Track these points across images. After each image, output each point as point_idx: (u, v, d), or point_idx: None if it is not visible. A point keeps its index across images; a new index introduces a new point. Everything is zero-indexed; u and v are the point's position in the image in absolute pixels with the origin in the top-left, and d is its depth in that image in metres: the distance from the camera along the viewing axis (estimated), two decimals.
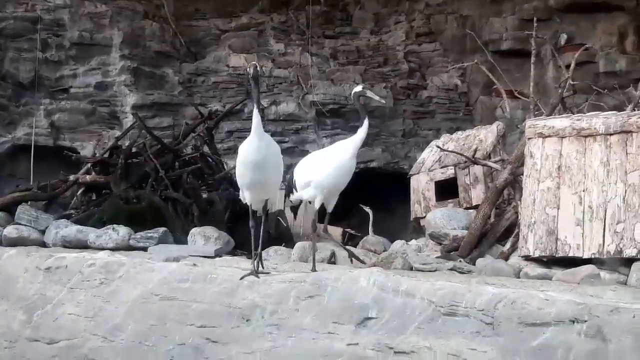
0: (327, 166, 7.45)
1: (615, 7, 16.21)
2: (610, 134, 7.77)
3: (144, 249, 9.41)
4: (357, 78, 17.15)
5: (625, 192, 7.55)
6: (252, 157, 7.13)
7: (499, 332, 5.35)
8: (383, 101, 8.42)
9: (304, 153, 16.77)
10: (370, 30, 18.09)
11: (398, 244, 9.43)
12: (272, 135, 16.25)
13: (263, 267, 7.41)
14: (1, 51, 15.30)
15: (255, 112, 6.98)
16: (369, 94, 7.87)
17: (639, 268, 7.22)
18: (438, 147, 10.96)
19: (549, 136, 8.09)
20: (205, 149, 12.79)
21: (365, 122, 7.53)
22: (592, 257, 7.54)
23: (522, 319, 5.29)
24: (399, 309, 5.91)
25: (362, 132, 7.43)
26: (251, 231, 7.40)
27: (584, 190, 7.77)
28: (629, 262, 7.37)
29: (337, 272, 6.86)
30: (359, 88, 7.87)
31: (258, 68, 7.17)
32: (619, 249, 7.44)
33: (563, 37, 16.22)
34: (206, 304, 6.89)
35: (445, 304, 5.69)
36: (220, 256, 9.03)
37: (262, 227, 7.55)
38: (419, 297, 5.89)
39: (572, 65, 10.36)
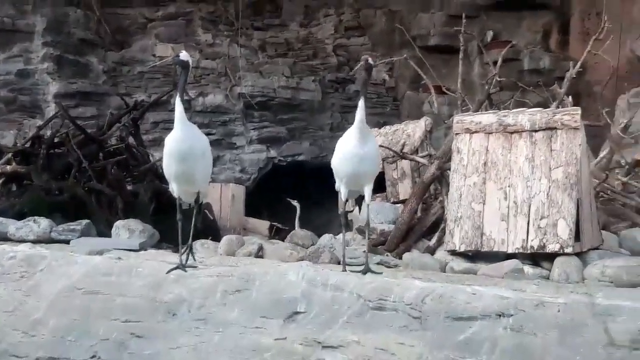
0: (336, 155, 7.15)
1: (540, 5, 16.56)
2: (536, 131, 7.88)
3: (67, 241, 9.18)
4: (285, 70, 17.12)
5: (549, 188, 7.66)
6: (176, 147, 6.95)
7: (426, 326, 5.36)
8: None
9: (232, 145, 16.70)
10: (299, 23, 18.09)
11: (326, 237, 9.39)
12: (198, 127, 16.28)
13: (195, 260, 7.31)
14: None
15: (178, 100, 6.79)
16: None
17: (561, 263, 7.35)
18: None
19: (476, 132, 8.16)
20: (131, 140, 12.55)
21: (361, 102, 6.99)
22: (516, 251, 7.63)
23: (450, 313, 5.32)
24: (328, 303, 5.88)
25: (359, 114, 6.93)
26: (178, 224, 7.27)
27: (509, 186, 7.86)
28: (551, 257, 7.49)
29: (265, 266, 6.81)
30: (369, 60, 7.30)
31: (188, 57, 7.06)
32: (542, 244, 7.54)
33: (489, 34, 16.50)
34: (131, 298, 6.74)
35: (374, 298, 5.68)
36: (145, 249, 8.88)
37: (193, 220, 7.41)
38: (348, 291, 5.87)
39: (499, 62, 10.50)
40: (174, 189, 7.28)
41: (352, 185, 7.08)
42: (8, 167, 11.35)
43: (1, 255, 7.81)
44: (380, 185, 10.73)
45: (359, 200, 7.48)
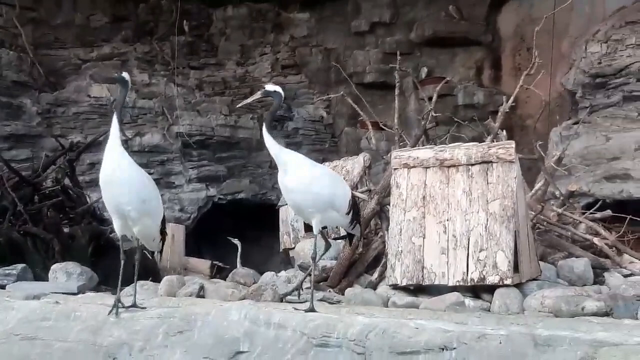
0: None
1: (472, 42, 16.93)
2: (472, 164, 8.00)
3: (2, 286, 8.98)
4: (223, 109, 17.13)
5: (487, 220, 7.76)
6: (103, 172, 6.80)
7: None
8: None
9: (170, 185, 16.57)
10: (236, 62, 18.17)
11: (268, 275, 9.37)
12: None
13: (134, 303, 7.15)
14: None
15: (114, 120, 6.82)
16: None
17: (501, 295, 7.43)
18: None
19: (414, 167, 8.25)
20: (67, 181, 12.37)
21: (266, 134, 6.80)
22: (457, 284, 7.69)
23: (393, 348, 5.33)
24: (271, 341, 5.84)
25: (266, 142, 6.82)
26: (121, 264, 7.13)
27: (448, 220, 7.94)
28: (492, 289, 7.57)
29: (207, 306, 6.74)
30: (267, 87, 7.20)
31: (128, 76, 7.09)
32: (482, 277, 7.62)
33: (424, 71, 16.78)
34: (70, 342, 6.61)
35: (318, 335, 5.66)
36: (84, 293, 8.73)
37: (135, 259, 7.25)
38: (291, 329, 5.84)
39: (434, 97, 10.66)
40: (114, 225, 7.11)
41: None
42: None
43: None
44: None
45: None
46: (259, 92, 7.15)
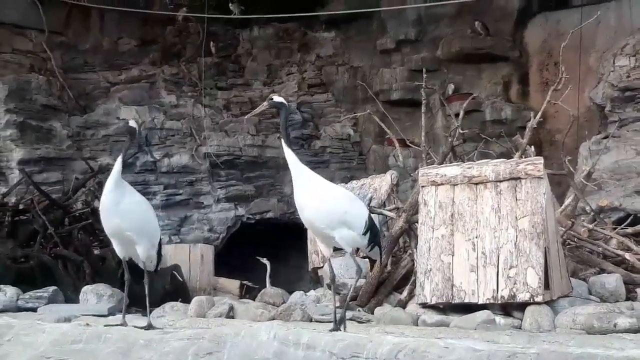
0: None
1: (499, 57, 16.86)
2: (500, 181, 7.96)
3: (34, 309, 9.07)
4: (250, 129, 17.19)
5: (517, 237, 7.71)
6: (103, 204, 7.08)
7: None
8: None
9: (199, 205, 16.64)
10: (262, 82, 18.27)
11: (297, 295, 9.37)
12: (165, 188, 16.25)
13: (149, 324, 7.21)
14: None
15: (119, 160, 6.98)
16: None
17: (532, 312, 7.37)
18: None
19: (442, 184, 8.23)
20: (96, 204, 12.47)
21: (282, 143, 6.87)
22: (487, 302, 7.64)
23: None
24: None
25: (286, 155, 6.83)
26: (125, 284, 7.34)
27: (477, 237, 7.90)
28: (522, 306, 7.51)
29: (236, 326, 6.73)
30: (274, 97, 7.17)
31: (138, 125, 7.27)
32: (512, 294, 7.57)
33: (450, 87, 16.73)
34: None
35: (347, 355, 5.63)
36: (114, 314, 8.78)
37: (145, 283, 7.36)
38: (320, 350, 5.81)
39: (461, 114, 10.63)
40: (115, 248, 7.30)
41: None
42: None
43: None
44: None
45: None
46: (266, 103, 7.17)
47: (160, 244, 7.52)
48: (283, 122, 7.03)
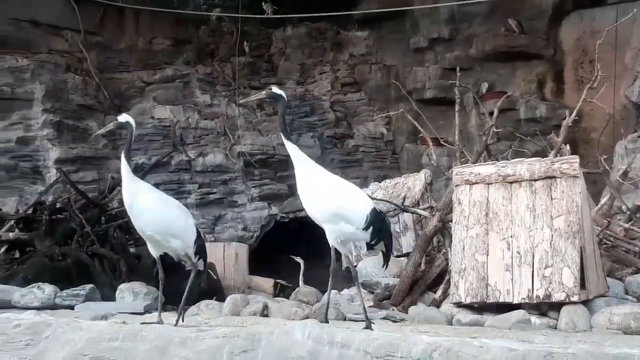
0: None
1: (533, 55, 16.73)
2: (535, 180, 7.92)
3: (71, 307, 9.17)
4: None
5: (552, 236, 7.67)
6: (125, 203, 7.16)
7: None
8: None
9: (233, 204, 16.72)
10: (296, 81, 18.30)
11: (330, 294, 9.37)
12: (199, 187, 16.35)
13: (182, 321, 7.30)
14: None
15: (122, 160, 7.09)
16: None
17: (567, 312, 7.33)
18: (367, 195, 10.99)
19: (476, 183, 8.20)
20: None
21: (282, 136, 7.12)
22: (522, 302, 7.61)
23: None
24: None
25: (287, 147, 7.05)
26: (159, 282, 7.38)
27: (511, 236, 7.87)
28: (558, 306, 7.47)
29: (271, 325, 6.77)
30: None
31: (128, 117, 7.33)
32: (547, 294, 7.53)
33: (484, 86, 16.64)
34: None
35: (381, 354, 5.64)
36: (150, 312, 8.85)
37: (190, 280, 7.42)
38: (354, 348, 5.82)
39: (495, 112, 10.59)
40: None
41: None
42: (11, 234, 11.39)
43: (6, 324, 7.77)
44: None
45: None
46: (264, 92, 7.24)
47: (200, 243, 7.45)
48: (281, 114, 7.09)
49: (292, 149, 6.98)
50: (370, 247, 7.36)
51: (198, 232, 7.45)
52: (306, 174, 6.99)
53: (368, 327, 6.57)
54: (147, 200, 7.21)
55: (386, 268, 7.54)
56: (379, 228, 6.91)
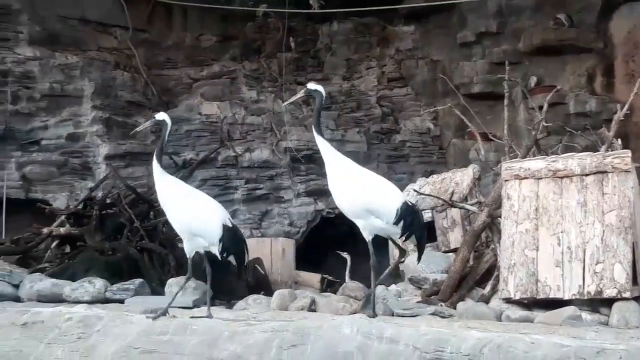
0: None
1: (583, 49, 16.49)
2: (586, 175, 7.84)
3: (121, 301, 9.29)
4: (330, 123, 17.22)
5: (603, 232, 7.59)
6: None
7: None
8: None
9: (279, 199, 16.76)
10: (342, 76, 18.26)
11: (378, 289, 9.35)
12: (246, 182, 16.41)
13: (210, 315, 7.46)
14: None
15: (155, 158, 7.54)
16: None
17: (619, 308, 7.23)
18: (415, 190, 10.97)
19: (525, 178, 8.14)
20: None
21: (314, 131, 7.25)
22: (573, 298, 7.54)
23: None
24: (384, 356, 5.84)
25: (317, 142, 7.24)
26: (207, 277, 7.68)
27: (562, 231, 7.80)
28: (609, 302, 7.38)
29: (319, 319, 6.79)
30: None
31: (165, 116, 7.77)
32: (599, 290, 7.45)
33: (533, 80, 16.44)
34: (187, 356, 6.77)
35: (431, 350, 5.63)
36: (199, 306, 8.93)
37: (208, 274, 7.72)
38: (404, 343, 5.83)
39: (545, 107, 10.47)
40: None
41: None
42: (62, 229, 11.57)
43: (58, 317, 7.92)
44: (431, 235, 10.68)
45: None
46: (302, 91, 7.36)
47: (230, 240, 7.52)
48: (317, 109, 7.14)
49: (322, 144, 7.08)
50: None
51: (230, 229, 7.49)
52: (336, 169, 7.07)
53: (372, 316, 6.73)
54: (170, 196, 7.55)
55: (419, 262, 7.58)
56: (410, 222, 6.94)
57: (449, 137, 17.76)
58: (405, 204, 6.98)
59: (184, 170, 12.94)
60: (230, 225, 7.56)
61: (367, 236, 7.04)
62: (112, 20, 17.07)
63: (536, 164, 8.17)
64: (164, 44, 17.81)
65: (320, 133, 7.07)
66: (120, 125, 16.12)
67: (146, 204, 11.91)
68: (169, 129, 7.82)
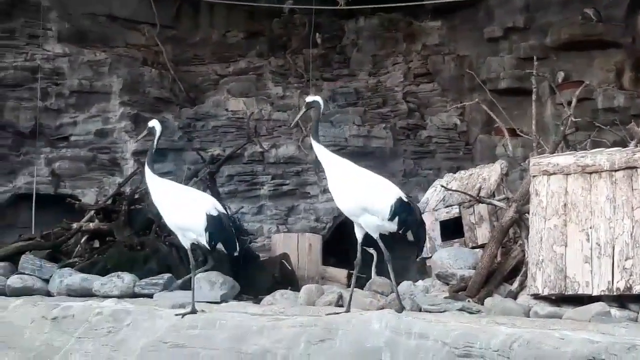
0: None
1: (611, 44, 16.37)
2: (615, 170, 7.78)
3: (150, 295, 9.35)
4: (356, 119, 17.23)
5: (633, 228, 7.53)
6: None
7: None
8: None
9: (306, 195, 16.79)
10: (368, 72, 18.26)
11: (405, 284, 9.37)
12: (272, 178, 16.45)
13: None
14: (1, 101, 15.31)
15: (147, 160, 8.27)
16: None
17: None
18: (442, 186, 10.95)
19: (554, 173, 8.09)
20: (208, 193, 12.75)
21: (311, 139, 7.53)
22: (602, 294, 7.49)
23: (539, 359, 5.24)
24: (413, 351, 5.86)
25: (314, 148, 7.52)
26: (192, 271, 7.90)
27: (591, 227, 7.75)
28: (638, 298, 7.33)
29: (347, 314, 6.82)
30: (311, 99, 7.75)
31: (156, 123, 8.51)
32: (628, 286, 7.40)
33: (560, 75, 16.34)
34: (216, 350, 6.83)
35: (460, 345, 5.64)
36: (227, 301, 8.98)
37: (193, 269, 8.03)
38: (433, 339, 5.84)
39: (574, 102, 10.40)
40: None
41: None
42: (91, 225, 11.66)
43: (88, 311, 8.02)
44: (458, 231, 10.66)
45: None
46: (304, 107, 7.73)
47: (219, 231, 7.76)
48: (316, 118, 7.32)
49: (319, 149, 7.31)
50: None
51: (214, 217, 7.79)
52: (334, 171, 7.28)
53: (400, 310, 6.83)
54: (160, 196, 8.14)
55: (417, 259, 7.70)
56: (405, 218, 7.01)
57: (475, 133, 17.70)
58: (399, 200, 7.10)
59: (211, 166, 12.98)
60: (214, 214, 7.81)
61: (373, 233, 7.21)
62: (139, 17, 17.20)
63: (565, 159, 8.12)
64: (191, 41, 17.90)
65: (318, 140, 7.28)
66: (148, 122, 16.19)
67: None
68: (158, 134, 8.56)
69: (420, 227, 7.38)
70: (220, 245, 7.82)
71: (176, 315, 7.50)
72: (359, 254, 7.27)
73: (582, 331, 5.79)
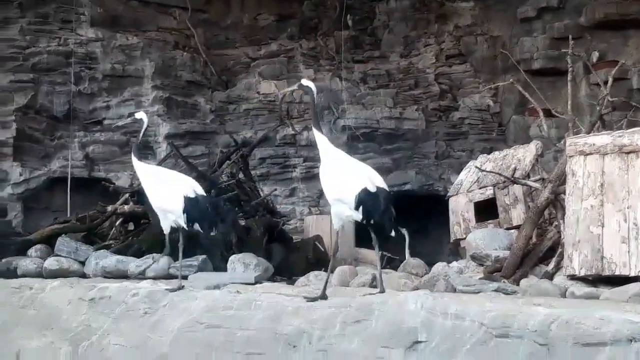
0: None
1: None
2: None
3: (184, 277, 9.40)
4: (388, 101, 17.18)
5: None
6: None
7: (554, 353, 5.24)
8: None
9: None
10: (399, 54, 18.17)
11: (439, 266, 9.35)
12: (304, 161, 16.48)
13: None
14: (35, 85, 15.44)
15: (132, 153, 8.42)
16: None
17: None
18: (476, 167, 10.88)
19: (590, 154, 7.99)
20: (241, 176, 12.80)
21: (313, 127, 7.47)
22: (639, 274, 7.41)
23: (578, 339, 5.18)
24: (449, 332, 5.82)
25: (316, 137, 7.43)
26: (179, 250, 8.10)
27: (628, 207, 7.65)
28: None
29: (383, 295, 6.80)
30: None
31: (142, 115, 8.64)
32: None
33: (595, 55, 16.15)
34: (252, 330, 6.85)
35: (497, 326, 5.59)
36: (261, 283, 9.02)
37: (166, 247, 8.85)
38: (469, 320, 5.79)
39: (610, 82, 10.28)
40: None
41: None
42: (125, 207, 11.75)
43: (125, 293, 8.08)
44: (492, 212, 10.60)
45: None
46: (295, 85, 7.65)
47: (198, 208, 7.94)
48: (312, 105, 7.25)
49: (320, 139, 7.22)
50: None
51: (191, 199, 7.95)
52: (324, 160, 7.22)
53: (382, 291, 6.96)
54: (144, 181, 8.35)
55: (377, 250, 7.53)
56: (369, 207, 6.92)
57: (509, 113, 17.58)
58: (364, 190, 6.96)
59: (244, 149, 13.01)
60: (192, 196, 7.97)
61: (335, 222, 7.28)
62: (171, 1, 17.24)
63: (601, 139, 8.01)
64: (223, 24, 17.92)
65: (319, 128, 7.22)
66: (180, 105, 16.32)
67: (207, 182, 12.00)
68: (145, 125, 8.65)
69: (383, 217, 7.18)
70: (197, 226, 7.93)
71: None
72: (373, 235, 7.21)
73: (621, 312, 5.72)
